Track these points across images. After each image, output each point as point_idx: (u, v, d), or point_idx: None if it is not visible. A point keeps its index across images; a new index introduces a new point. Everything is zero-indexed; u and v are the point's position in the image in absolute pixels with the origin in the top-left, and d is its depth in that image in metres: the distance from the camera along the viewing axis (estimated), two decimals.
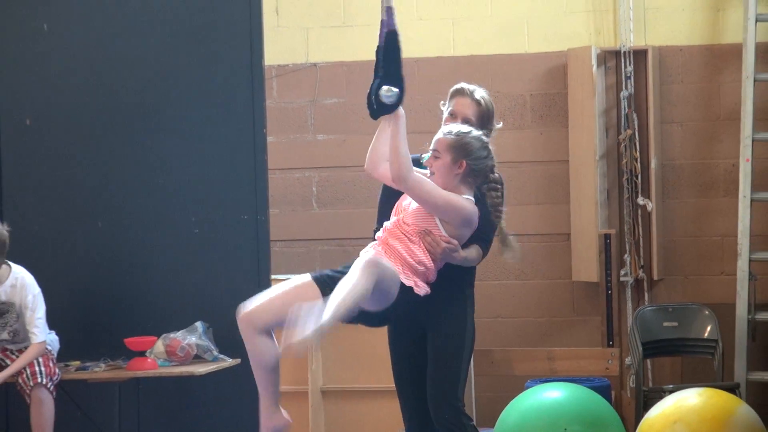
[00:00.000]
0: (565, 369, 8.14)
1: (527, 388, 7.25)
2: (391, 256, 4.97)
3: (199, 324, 7.06)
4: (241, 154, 7.22)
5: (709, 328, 7.90)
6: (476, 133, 5.08)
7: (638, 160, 8.11)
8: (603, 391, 7.42)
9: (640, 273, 8.17)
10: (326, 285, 4.91)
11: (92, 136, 7.35)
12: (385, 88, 4.90)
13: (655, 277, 8.18)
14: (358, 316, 4.88)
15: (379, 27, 5.04)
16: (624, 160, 8.15)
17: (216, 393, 7.19)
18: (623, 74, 8.13)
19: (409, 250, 4.96)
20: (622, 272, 8.19)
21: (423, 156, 5.10)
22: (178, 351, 6.95)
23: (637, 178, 8.11)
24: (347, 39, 8.36)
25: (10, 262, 6.87)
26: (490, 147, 5.09)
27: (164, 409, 7.26)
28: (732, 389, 7.33)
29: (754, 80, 7.85)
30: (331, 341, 7.68)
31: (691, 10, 8.22)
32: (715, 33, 8.20)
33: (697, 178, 8.25)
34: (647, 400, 7.45)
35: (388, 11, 4.99)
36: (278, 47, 8.45)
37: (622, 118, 8.15)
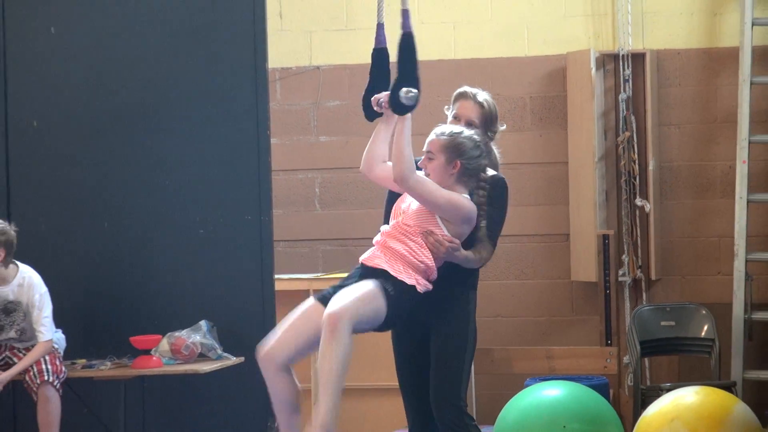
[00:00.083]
0: (564, 367, 8.11)
1: (527, 386, 7.24)
2: (391, 257, 4.99)
3: (203, 323, 7.06)
4: (245, 156, 7.21)
5: (706, 328, 7.89)
6: (468, 133, 5.11)
7: (636, 161, 8.12)
8: (601, 389, 7.38)
9: (638, 273, 8.18)
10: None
11: (98, 137, 7.33)
12: (404, 90, 4.93)
13: (653, 277, 8.18)
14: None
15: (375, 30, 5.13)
16: (622, 162, 8.15)
17: (220, 390, 7.18)
18: (622, 77, 8.14)
19: (410, 250, 4.98)
20: (621, 272, 8.21)
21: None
22: (182, 349, 6.95)
23: (635, 180, 8.12)
24: (350, 42, 8.43)
25: (17, 262, 6.86)
26: (482, 146, 5.11)
27: (169, 406, 7.25)
28: (728, 388, 7.28)
29: (751, 83, 7.85)
30: None
31: (689, 14, 8.23)
32: (712, 37, 8.21)
33: (694, 179, 8.26)
34: (645, 398, 7.45)
35: (404, 14, 5.04)
36: (282, 50, 8.45)
37: (621, 121, 8.16)
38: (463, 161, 5.05)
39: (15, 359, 6.88)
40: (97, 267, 7.33)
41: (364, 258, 5.09)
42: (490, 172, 5.27)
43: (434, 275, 5.05)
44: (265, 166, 7.20)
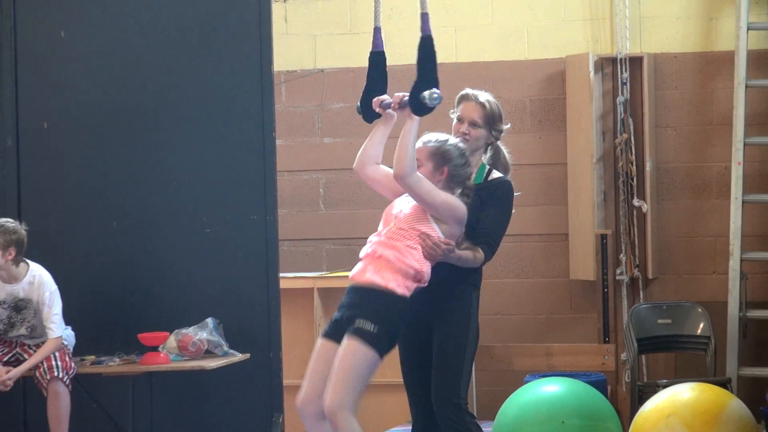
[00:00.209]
0: (562, 364, 8.15)
1: (526, 382, 7.25)
2: (381, 267, 5.03)
3: (210, 320, 7.06)
4: (251, 157, 7.19)
5: (701, 325, 7.89)
6: (453, 140, 5.17)
7: (634, 163, 8.12)
8: (599, 385, 7.43)
9: (636, 272, 8.19)
10: (336, 334, 5.04)
11: (107, 139, 7.33)
12: (429, 92, 4.95)
13: (650, 276, 8.20)
14: None
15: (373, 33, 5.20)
16: (620, 163, 8.16)
17: (226, 386, 7.17)
18: (619, 80, 8.15)
19: (399, 256, 5.01)
20: (618, 271, 8.22)
21: None
22: (189, 346, 6.95)
23: (632, 181, 8.13)
24: (353, 46, 8.46)
25: (28, 261, 6.86)
26: (467, 155, 5.15)
27: (176, 401, 7.24)
28: (724, 384, 7.31)
29: (746, 86, 7.86)
30: None
31: (685, 18, 8.23)
32: (708, 41, 8.21)
33: (690, 180, 8.26)
34: (642, 394, 7.45)
35: (423, 18, 5.06)
36: (287, 54, 8.47)
37: (618, 123, 8.17)
38: (449, 168, 5.11)
39: (25, 355, 6.89)
40: (106, 266, 7.33)
41: (353, 274, 5.13)
42: (496, 174, 5.36)
43: (426, 277, 5.07)
44: (271, 166, 7.20)
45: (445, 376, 5.20)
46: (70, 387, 6.81)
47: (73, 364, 6.86)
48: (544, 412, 6.60)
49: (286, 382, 7.26)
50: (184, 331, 7.02)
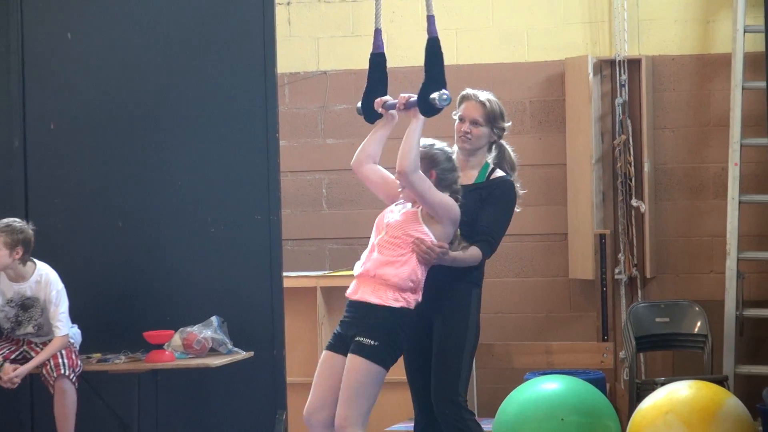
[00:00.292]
0: (562, 362, 8.13)
1: (526, 380, 7.29)
2: (377, 286, 5.07)
3: (214, 318, 7.04)
4: (255, 157, 7.18)
5: (699, 324, 7.91)
6: (440, 145, 5.20)
7: (632, 163, 8.13)
8: (598, 383, 7.43)
9: (634, 271, 8.20)
10: (340, 346, 5.10)
11: (113, 139, 7.33)
12: (438, 93, 4.99)
13: (648, 275, 8.22)
14: None
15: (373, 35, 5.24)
16: (618, 164, 8.18)
17: (230, 384, 7.17)
18: (618, 82, 8.16)
19: (396, 275, 5.06)
20: (617, 270, 8.23)
21: None
22: (194, 344, 6.93)
23: (631, 181, 8.13)
24: (356, 48, 8.44)
25: (35, 260, 6.86)
26: (454, 159, 5.19)
27: (181, 398, 7.23)
28: (720, 382, 7.35)
29: (743, 88, 7.87)
30: None
31: (683, 21, 8.23)
32: (706, 43, 8.22)
33: (688, 181, 8.27)
34: (640, 392, 7.47)
35: (430, 20, 5.11)
36: (290, 56, 8.48)
37: (617, 124, 8.18)
38: (437, 171, 5.15)
39: (32, 353, 6.88)
40: (112, 265, 7.32)
41: (348, 293, 5.18)
42: (499, 173, 5.40)
43: (421, 286, 5.12)
44: (274, 167, 7.19)
45: (445, 375, 5.24)
46: (76, 384, 6.82)
47: (79, 362, 6.87)
48: (544, 410, 6.64)
49: (289, 379, 7.27)
50: (188, 329, 7.01)
